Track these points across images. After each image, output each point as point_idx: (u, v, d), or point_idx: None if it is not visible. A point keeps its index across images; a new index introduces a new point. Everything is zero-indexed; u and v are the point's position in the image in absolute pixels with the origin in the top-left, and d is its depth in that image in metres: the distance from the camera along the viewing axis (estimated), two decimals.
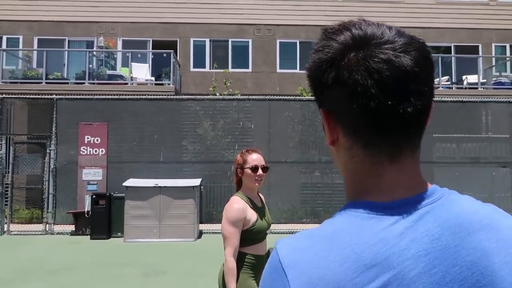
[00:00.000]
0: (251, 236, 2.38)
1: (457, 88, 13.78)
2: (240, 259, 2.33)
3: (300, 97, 10.63)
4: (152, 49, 14.40)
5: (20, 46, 14.18)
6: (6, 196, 9.69)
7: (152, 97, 10.56)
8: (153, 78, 13.01)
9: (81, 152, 9.64)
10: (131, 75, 12.55)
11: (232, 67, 14.40)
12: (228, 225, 2.33)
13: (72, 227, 9.31)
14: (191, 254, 7.34)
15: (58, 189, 9.68)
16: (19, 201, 10.37)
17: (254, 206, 2.48)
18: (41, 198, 9.84)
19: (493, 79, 13.98)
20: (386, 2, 15.13)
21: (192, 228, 8.56)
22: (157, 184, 8.56)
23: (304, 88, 11.12)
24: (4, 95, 10.31)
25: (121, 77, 12.69)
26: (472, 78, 13.52)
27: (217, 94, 11.43)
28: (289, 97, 10.71)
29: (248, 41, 14.93)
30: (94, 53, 13.23)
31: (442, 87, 13.42)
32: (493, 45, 15.35)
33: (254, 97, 10.63)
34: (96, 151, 9.66)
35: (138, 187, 8.58)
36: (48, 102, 9.99)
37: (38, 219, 9.95)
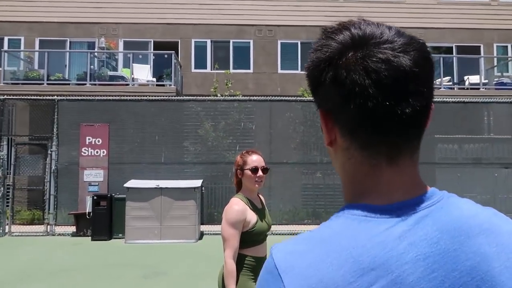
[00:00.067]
0: (251, 238, 2.37)
1: (459, 88, 13.75)
2: (240, 261, 2.31)
3: (302, 98, 10.62)
4: (153, 50, 14.41)
5: (22, 47, 14.21)
6: (8, 197, 9.70)
7: (153, 98, 10.56)
8: (154, 79, 13.01)
9: (82, 153, 9.64)
10: (133, 76, 12.56)
11: (233, 68, 14.40)
12: (227, 226, 2.32)
13: (73, 228, 9.32)
14: (192, 256, 7.33)
15: (60, 190, 9.69)
16: (21, 202, 10.39)
17: (254, 208, 2.47)
18: (42, 199, 9.85)
19: (495, 79, 13.94)
20: (387, 2, 15.11)
21: (193, 229, 8.55)
22: (158, 185, 8.55)
23: (305, 88, 11.11)
24: (5, 96, 10.33)
25: (122, 78, 12.70)
26: (473, 79, 13.48)
27: (218, 95, 11.43)
28: (290, 97, 10.70)
29: (249, 42, 14.93)
30: (96, 54, 13.24)
31: (444, 88, 13.39)
32: (495, 45, 15.31)
33: (255, 98, 10.62)
34: (97, 152, 9.66)
35: (139, 188, 8.57)
36: (50, 103, 10.00)
37: (39, 220, 9.96)
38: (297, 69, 14.52)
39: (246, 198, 2.47)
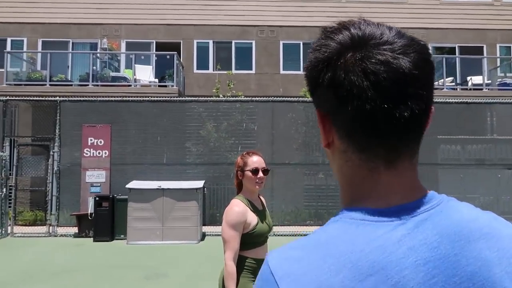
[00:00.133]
0: (251, 239, 2.36)
1: (462, 89, 13.70)
2: (240, 263, 2.30)
3: (304, 99, 10.60)
4: (155, 50, 14.43)
5: (25, 48, 14.26)
6: (10, 198, 9.72)
7: (156, 99, 10.57)
8: (156, 80, 13.02)
9: (84, 154, 9.65)
10: (135, 77, 12.58)
11: (236, 69, 14.40)
12: (228, 228, 2.30)
13: (75, 229, 9.33)
14: (193, 257, 7.32)
15: (62, 191, 9.70)
16: (23, 203, 10.41)
17: (254, 209, 2.45)
18: (45, 200, 9.87)
19: (498, 80, 13.89)
20: (389, 3, 15.08)
21: (195, 230, 8.54)
22: (160, 186, 8.55)
23: (307, 89, 11.09)
24: (8, 97, 10.35)
25: (124, 79, 12.72)
26: (476, 79, 13.43)
27: (221, 95, 11.43)
28: (292, 98, 10.68)
29: (251, 43, 14.93)
30: (98, 55, 13.27)
31: (447, 88, 13.35)
32: (498, 45, 15.25)
33: (257, 98, 10.62)
34: (99, 153, 9.67)
35: (141, 189, 8.57)
36: (52, 104, 10.03)
37: (42, 221, 9.98)
38: (299, 70, 14.51)
39: (246, 200, 2.46)
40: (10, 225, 9.54)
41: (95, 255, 7.57)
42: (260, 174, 2.46)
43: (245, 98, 10.83)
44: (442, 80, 13.45)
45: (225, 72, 13.04)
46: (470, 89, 13.36)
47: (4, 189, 9.52)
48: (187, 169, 10.02)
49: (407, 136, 0.60)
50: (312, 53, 0.63)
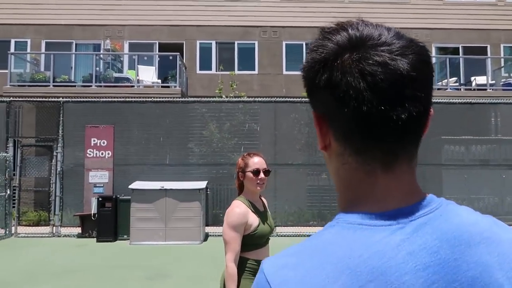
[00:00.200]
0: (253, 241, 2.34)
1: (466, 89, 13.63)
2: (242, 264, 2.29)
3: (307, 99, 10.54)
4: (158, 51, 14.45)
5: (28, 50, 14.32)
6: (14, 198, 9.76)
7: (158, 99, 10.58)
8: (159, 81, 13.04)
9: (87, 154, 9.68)
10: (138, 77, 12.60)
11: (238, 69, 14.40)
12: (229, 229, 2.29)
13: (78, 230, 9.35)
14: (196, 257, 7.32)
15: (65, 192, 9.73)
16: (27, 203, 10.46)
17: (256, 210, 2.44)
18: (48, 201, 9.90)
19: (502, 80, 13.81)
20: (392, 3, 15.03)
21: (198, 231, 8.54)
22: (163, 187, 8.56)
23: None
24: (11, 98, 10.40)
25: (127, 79, 12.74)
26: (480, 79, 13.36)
27: (223, 96, 11.43)
28: (295, 99, 10.66)
29: (254, 43, 14.92)
30: (101, 56, 13.30)
31: (450, 89, 13.29)
32: (502, 45, 15.17)
33: (260, 99, 10.61)
34: (102, 153, 9.69)
35: (144, 190, 8.58)
36: (55, 105, 10.06)
37: (45, 221, 10.02)
38: None
39: (248, 201, 2.44)
40: (14, 225, 9.57)
41: (98, 255, 7.58)
42: (261, 175, 2.45)
43: (248, 99, 10.83)
44: (446, 80, 13.39)
45: (228, 72, 13.05)
46: (474, 90, 13.29)
47: (8, 189, 9.56)
48: (190, 170, 10.03)
49: (404, 139, 0.59)
50: (309, 53, 0.62)
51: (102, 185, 9.55)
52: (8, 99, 10.41)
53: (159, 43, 14.68)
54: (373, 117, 0.56)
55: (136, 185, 8.76)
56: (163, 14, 14.59)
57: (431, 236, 0.55)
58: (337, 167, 0.62)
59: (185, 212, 8.51)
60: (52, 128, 10.06)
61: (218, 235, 8.86)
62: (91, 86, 12.36)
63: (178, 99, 11.22)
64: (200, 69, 14.79)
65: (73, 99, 10.26)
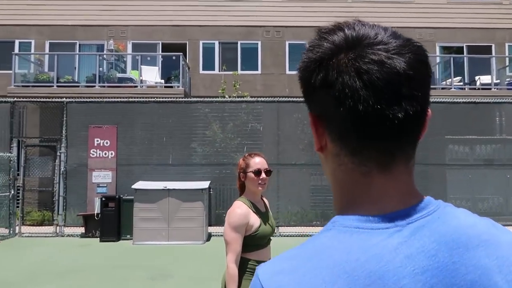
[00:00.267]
0: (254, 241, 2.34)
1: (470, 89, 13.55)
2: (243, 265, 2.28)
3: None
4: (161, 51, 14.47)
5: (32, 50, 14.38)
6: (18, 198, 9.80)
7: (161, 99, 10.59)
8: (162, 81, 13.06)
9: (91, 154, 9.70)
10: (141, 78, 12.63)
11: (241, 69, 14.39)
12: (230, 230, 2.29)
13: (82, 229, 9.38)
14: (199, 257, 7.32)
15: (69, 192, 9.77)
16: (31, 203, 10.51)
17: (257, 211, 2.43)
18: (52, 201, 9.94)
19: (507, 79, 13.73)
20: (396, 2, 14.97)
21: (200, 231, 8.54)
22: (166, 187, 8.57)
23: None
24: (15, 99, 10.44)
25: (131, 80, 12.77)
26: (485, 79, 13.28)
27: (226, 96, 11.42)
28: (298, 99, 10.62)
29: (257, 43, 14.91)
30: (105, 56, 13.34)
31: (455, 88, 13.22)
32: (507, 45, 15.08)
33: (263, 99, 10.59)
34: (105, 153, 9.72)
35: (147, 190, 8.60)
36: (59, 105, 10.10)
37: (49, 221, 10.06)
38: None
39: (249, 201, 2.44)
40: (18, 225, 9.62)
41: (101, 255, 7.60)
42: (263, 175, 2.44)
43: (251, 99, 10.82)
44: (450, 79, 13.32)
45: (231, 72, 13.04)
46: (479, 89, 13.22)
47: (12, 189, 9.61)
48: (193, 170, 10.03)
49: (401, 139, 0.58)
50: (305, 53, 0.62)
51: (105, 185, 9.58)
52: (12, 99, 10.46)
53: (162, 43, 14.70)
54: (369, 116, 0.55)
55: (139, 185, 8.78)
56: (166, 14, 14.61)
57: (429, 239, 0.54)
58: (333, 168, 0.61)
59: (188, 212, 8.51)
60: (55, 128, 10.10)
61: (221, 235, 8.83)
62: (94, 86, 12.39)
63: (181, 99, 11.23)
64: (203, 69, 14.80)
65: (76, 100, 10.29)
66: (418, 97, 0.57)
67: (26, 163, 10.07)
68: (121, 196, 9.06)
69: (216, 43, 14.87)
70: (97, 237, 8.96)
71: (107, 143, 9.74)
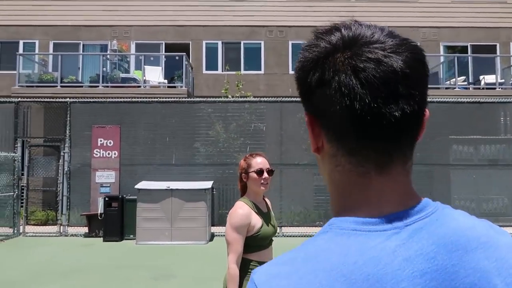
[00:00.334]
0: (256, 242, 2.33)
1: (474, 88, 13.48)
2: (244, 265, 2.27)
3: None
4: (164, 52, 14.50)
5: (36, 51, 14.44)
6: (22, 198, 9.85)
7: (164, 99, 10.60)
8: (166, 81, 13.07)
9: (94, 154, 9.73)
10: (144, 78, 12.65)
11: (245, 69, 14.39)
12: (231, 231, 2.28)
13: (85, 229, 9.41)
14: (202, 257, 7.32)
15: (72, 191, 9.80)
16: (35, 203, 10.55)
17: (259, 212, 2.43)
18: (56, 200, 9.97)
19: (511, 79, 13.64)
20: (400, 2, 14.92)
21: (203, 231, 8.54)
22: (168, 187, 8.57)
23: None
24: (20, 99, 10.48)
25: (134, 80, 12.80)
26: (489, 78, 13.21)
27: (229, 96, 11.42)
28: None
29: (260, 43, 14.91)
30: (108, 56, 13.37)
31: (459, 88, 13.15)
32: (511, 44, 14.98)
33: (266, 99, 10.58)
34: (109, 153, 9.74)
35: (150, 190, 8.61)
36: (62, 105, 10.14)
37: (53, 220, 10.10)
38: None
39: (251, 202, 2.43)
40: (22, 224, 9.66)
41: (105, 255, 7.61)
42: (265, 174, 2.43)
43: (254, 99, 10.81)
44: (454, 79, 13.26)
45: (234, 72, 13.04)
46: (483, 88, 13.15)
47: (16, 189, 9.65)
48: (196, 170, 10.04)
49: (398, 139, 0.57)
50: (302, 53, 0.62)
51: (108, 185, 9.60)
52: (16, 99, 10.50)
53: (165, 44, 14.72)
54: (365, 115, 0.54)
55: (142, 185, 8.79)
56: (170, 15, 14.63)
57: (427, 241, 0.53)
58: (330, 169, 0.61)
59: (191, 212, 8.52)
60: (59, 128, 10.13)
61: (224, 235, 8.85)
62: (98, 86, 12.43)
63: (184, 99, 11.23)
64: (206, 69, 14.81)
65: (80, 100, 10.32)
66: (415, 96, 0.56)
67: (30, 163, 10.11)
68: (124, 196, 9.08)
69: (219, 43, 14.87)
70: (100, 237, 8.98)
71: (110, 143, 9.76)
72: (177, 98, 11.27)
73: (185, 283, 5.85)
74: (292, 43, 14.86)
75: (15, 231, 9.52)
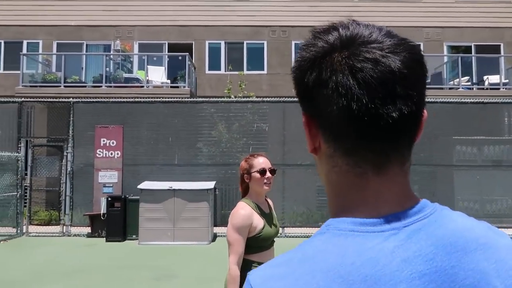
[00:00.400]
0: (257, 243, 2.32)
1: (478, 88, 13.42)
2: (245, 266, 2.26)
3: None
4: (167, 52, 14.52)
5: (40, 51, 14.50)
6: (25, 198, 9.88)
7: (167, 100, 10.62)
8: (168, 81, 13.09)
9: (97, 154, 9.75)
10: (147, 78, 12.67)
11: (247, 69, 14.39)
12: (233, 231, 2.27)
13: (88, 229, 9.43)
14: (204, 258, 7.32)
15: (75, 191, 9.82)
16: (38, 203, 10.58)
17: (261, 212, 2.42)
18: (59, 200, 10.00)
19: None
20: (403, 2, 14.87)
21: (206, 231, 8.54)
22: (171, 187, 8.58)
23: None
24: (23, 99, 10.52)
25: (137, 80, 12.82)
26: (493, 79, 13.15)
27: (232, 96, 11.42)
28: None
29: (263, 43, 14.90)
30: (111, 56, 13.41)
31: (462, 88, 13.09)
32: None
33: (269, 99, 10.57)
34: (111, 153, 9.76)
35: (152, 190, 8.61)
36: (65, 105, 10.17)
37: (56, 220, 10.13)
38: None
39: (253, 203, 2.42)
40: (25, 224, 9.69)
41: (107, 255, 7.63)
42: (268, 174, 2.42)
43: (257, 99, 10.81)
44: (458, 79, 13.20)
45: (237, 72, 13.03)
46: (487, 89, 13.09)
47: (20, 189, 9.68)
48: (198, 170, 10.04)
49: (396, 139, 0.56)
50: (299, 52, 0.62)
51: (111, 185, 9.61)
52: (20, 99, 10.54)
53: (168, 44, 14.74)
54: (363, 115, 0.54)
55: (145, 185, 8.80)
56: (173, 15, 14.65)
57: (426, 242, 0.53)
58: (327, 170, 0.60)
59: (193, 212, 8.52)
60: (62, 128, 10.16)
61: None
62: (101, 86, 12.46)
63: (187, 99, 11.24)
64: (209, 69, 14.82)
65: (83, 100, 10.34)
66: (413, 96, 0.55)
67: (34, 163, 10.15)
68: (127, 196, 9.09)
69: (222, 43, 14.88)
70: (103, 237, 8.99)
71: (113, 143, 9.78)
72: (180, 98, 11.28)
73: (187, 284, 5.85)
74: (295, 43, 14.84)
75: (18, 231, 9.55)
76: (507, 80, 13.45)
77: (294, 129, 10.25)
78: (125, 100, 10.33)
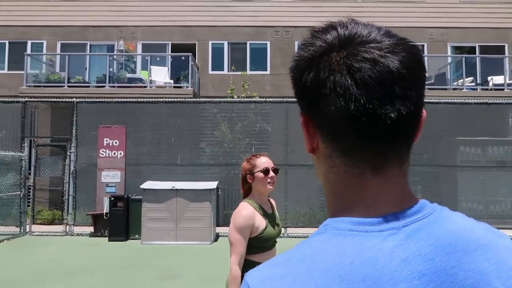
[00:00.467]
0: (259, 243, 2.31)
1: (482, 89, 13.36)
2: (247, 267, 2.25)
3: None
4: (171, 52, 14.54)
5: (44, 51, 14.55)
6: (29, 197, 9.92)
7: (170, 100, 10.63)
8: (172, 81, 13.11)
9: (100, 154, 9.77)
10: (150, 78, 12.69)
11: (250, 70, 14.39)
12: (234, 231, 2.27)
13: (91, 229, 9.45)
14: (206, 257, 7.32)
15: (78, 191, 9.85)
16: (42, 202, 10.63)
17: (264, 213, 2.41)
18: (62, 200, 10.04)
19: None
20: (407, 2, 14.83)
21: (208, 231, 8.54)
22: (174, 187, 8.59)
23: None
24: (27, 99, 10.56)
25: (140, 80, 12.85)
26: (497, 79, 13.09)
27: (235, 96, 11.42)
28: None
29: (266, 43, 14.90)
30: (115, 56, 13.44)
31: (466, 89, 13.04)
32: None
33: (271, 99, 10.57)
34: (114, 153, 9.78)
35: (155, 190, 8.63)
36: (69, 105, 10.20)
37: (59, 220, 10.17)
38: None
39: (256, 203, 2.41)
40: (28, 224, 9.73)
41: (110, 254, 7.64)
42: (271, 173, 2.42)
43: (260, 99, 10.81)
44: (462, 80, 13.15)
45: (240, 73, 13.04)
46: (491, 89, 13.03)
47: (23, 188, 9.72)
48: (201, 170, 10.05)
49: (395, 140, 0.56)
50: (297, 52, 0.61)
51: (114, 184, 9.64)
52: (24, 99, 10.59)
53: (171, 44, 14.76)
54: (361, 115, 0.54)
55: (148, 185, 8.82)
56: (176, 15, 14.67)
57: (425, 242, 0.52)
58: (326, 170, 0.60)
59: (195, 212, 8.52)
60: (66, 128, 10.20)
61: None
62: (104, 86, 12.49)
63: (190, 99, 11.25)
64: (212, 70, 14.83)
65: (86, 100, 10.38)
66: (412, 97, 0.55)
67: (37, 162, 10.18)
68: (130, 196, 9.11)
69: (225, 43, 14.88)
70: (105, 236, 9.01)
71: (116, 143, 9.80)
72: (183, 98, 11.30)
73: (190, 283, 5.85)
74: (298, 44, 14.83)
75: (22, 230, 9.59)
76: (511, 81, 13.38)
77: (297, 129, 10.22)
78: (128, 100, 10.36)
